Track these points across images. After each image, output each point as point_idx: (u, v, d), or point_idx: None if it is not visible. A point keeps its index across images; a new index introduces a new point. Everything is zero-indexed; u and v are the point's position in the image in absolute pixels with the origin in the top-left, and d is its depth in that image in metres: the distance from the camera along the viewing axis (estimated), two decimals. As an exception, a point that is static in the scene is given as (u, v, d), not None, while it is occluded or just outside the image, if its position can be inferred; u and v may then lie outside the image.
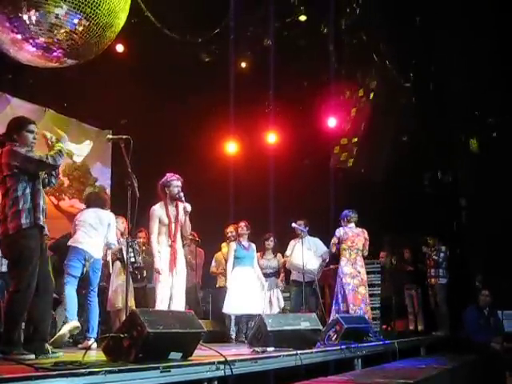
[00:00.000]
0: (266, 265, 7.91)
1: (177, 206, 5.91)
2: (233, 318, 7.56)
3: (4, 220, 4.08)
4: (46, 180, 4.45)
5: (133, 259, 7.06)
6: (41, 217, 4.16)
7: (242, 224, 7.63)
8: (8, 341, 3.93)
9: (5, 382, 2.57)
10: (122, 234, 7.08)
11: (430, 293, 9.29)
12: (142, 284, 7.70)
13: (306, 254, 7.40)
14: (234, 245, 7.56)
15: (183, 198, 5.83)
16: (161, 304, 5.62)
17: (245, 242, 7.54)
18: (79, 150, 4.55)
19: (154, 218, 5.80)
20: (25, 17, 5.43)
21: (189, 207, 5.87)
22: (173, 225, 5.81)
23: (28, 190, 4.13)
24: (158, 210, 5.83)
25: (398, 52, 9.75)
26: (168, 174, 5.96)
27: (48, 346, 4.21)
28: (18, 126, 4.30)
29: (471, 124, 10.21)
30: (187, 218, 5.90)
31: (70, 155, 4.49)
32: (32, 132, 4.30)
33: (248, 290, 7.25)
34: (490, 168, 9.57)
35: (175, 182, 5.89)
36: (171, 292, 5.74)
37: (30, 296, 4.06)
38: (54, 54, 5.95)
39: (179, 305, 5.78)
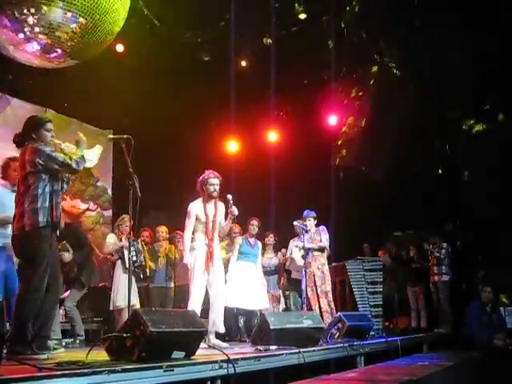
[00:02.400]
0: (267, 263, 7.87)
1: (216, 205, 5.87)
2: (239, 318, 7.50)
3: (21, 216, 4.11)
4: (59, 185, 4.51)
5: (134, 258, 7.06)
6: (58, 216, 4.21)
7: (254, 221, 7.52)
8: (21, 341, 3.97)
9: (9, 382, 2.58)
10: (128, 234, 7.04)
11: (433, 290, 9.29)
12: (145, 284, 7.71)
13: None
14: (239, 239, 7.52)
15: (230, 201, 5.77)
16: (192, 304, 5.56)
17: (251, 239, 7.49)
18: (90, 154, 4.57)
19: (190, 215, 5.79)
20: (24, 16, 5.44)
21: (236, 211, 5.78)
22: (210, 223, 5.78)
23: (48, 189, 4.17)
24: (194, 207, 5.82)
25: (398, 49, 9.75)
26: (206, 172, 5.91)
27: (50, 343, 4.25)
28: (36, 124, 4.35)
29: (472, 117, 10.19)
30: (229, 221, 5.87)
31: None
32: (50, 131, 4.35)
33: (249, 286, 7.18)
34: (492, 164, 9.56)
35: (212, 180, 5.85)
36: (209, 291, 5.73)
37: (41, 297, 4.10)
38: (54, 54, 5.96)
39: (220, 302, 5.77)
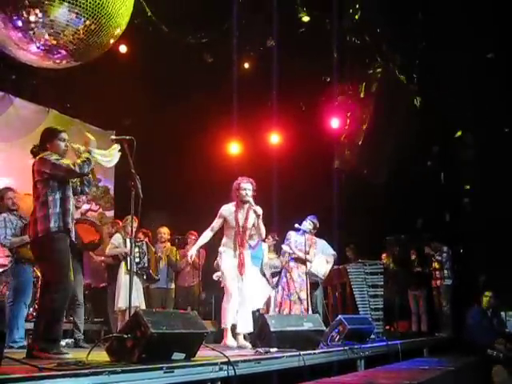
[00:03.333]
0: (269, 264, 7.85)
1: (248, 212, 5.89)
2: None
3: (34, 223, 4.26)
4: (79, 188, 4.66)
5: (137, 259, 7.06)
6: (69, 221, 4.34)
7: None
8: (49, 339, 4.09)
9: (9, 382, 2.58)
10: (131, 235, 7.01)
11: (435, 294, 9.28)
12: (146, 284, 7.71)
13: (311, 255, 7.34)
14: None
15: (252, 202, 5.81)
16: (229, 306, 5.72)
17: (252, 242, 7.45)
18: (105, 155, 4.62)
19: (220, 216, 5.87)
20: (28, 17, 5.45)
21: (259, 210, 5.82)
22: (241, 229, 5.82)
23: (58, 196, 4.31)
24: (226, 210, 5.88)
25: (400, 52, 9.75)
26: (241, 177, 5.97)
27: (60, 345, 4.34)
28: (50, 135, 4.51)
29: (474, 121, 10.18)
30: (260, 222, 5.87)
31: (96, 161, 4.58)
32: (64, 140, 4.51)
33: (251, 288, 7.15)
34: (492, 167, 9.56)
35: (244, 185, 5.89)
36: (239, 295, 5.78)
37: (68, 294, 4.31)
38: (57, 55, 5.96)
39: (247, 306, 5.82)
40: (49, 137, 4.50)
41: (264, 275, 7.41)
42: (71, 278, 4.28)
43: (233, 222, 5.82)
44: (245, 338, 5.84)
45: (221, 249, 5.90)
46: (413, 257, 9.73)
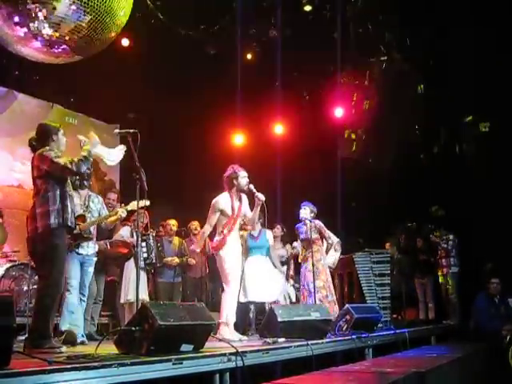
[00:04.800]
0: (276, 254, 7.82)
1: (241, 200, 5.85)
2: (252, 308, 7.32)
3: (34, 218, 4.26)
4: (77, 182, 4.71)
5: (145, 254, 7.05)
6: (69, 217, 4.33)
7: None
8: (41, 335, 4.11)
9: (19, 376, 2.60)
10: (144, 228, 7.01)
11: (442, 281, 9.28)
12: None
13: None
14: (245, 235, 7.45)
15: (254, 190, 5.77)
16: (231, 298, 5.66)
17: (255, 232, 7.35)
18: (111, 154, 4.64)
19: (215, 210, 5.73)
20: (31, 12, 5.45)
21: (262, 196, 5.73)
22: (234, 216, 5.74)
23: (57, 192, 4.30)
24: (221, 201, 5.74)
25: (404, 40, 9.71)
26: (234, 166, 5.86)
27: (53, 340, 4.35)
28: (49, 131, 4.49)
29: (481, 109, 10.12)
30: (257, 209, 5.79)
31: (99, 158, 4.61)
32: (64, 135, 4.52)
33: (258, 279, 7.12)
34: (501, 154, 9.51)
35: (242, 173, 5.82)
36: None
37: (59, 291, 4.31)
38: (60, 50, 5.96)
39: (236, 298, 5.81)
40: (46, 135, 4.47)
41: (274, 265, 7.38)
42: (63, 278, 4.32)
43: (229, 211, 5.73)
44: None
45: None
46: (419, 244, 9.71)
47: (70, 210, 4.36)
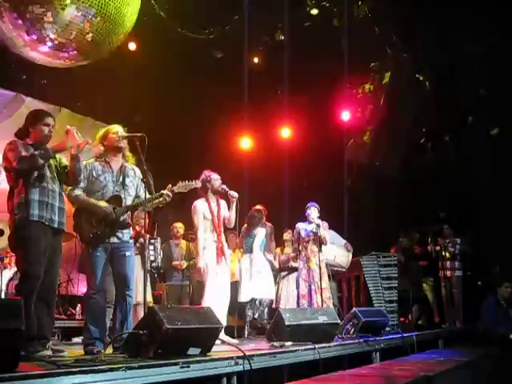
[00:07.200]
0: (286, 259, 7.80)
1: (218, 202, 6.02)
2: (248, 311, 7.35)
3: (12, 211, 4.13)
4: (63, 176, 4.38)
5: (152, 257, 7.07)
6: (36, 212, 4.08)
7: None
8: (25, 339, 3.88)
9: (27, 379, 2.61)
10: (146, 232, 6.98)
11: (443, 285, 9.24)
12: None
13: (330, 247, 7.34)
14: (239, 256, 7.51)
15: (227, 189, 5.91)
16: (206, 302, 5.58)
17: (244, 230, 7.38)
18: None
19: (198, 213, 5.89)
20: (37, 16, 5.47)
21: (235, 194, 5.88)
22: (216, 219, 5.89)
23: (36, 184, 4.13)
24: (200, 204, 5.93)
25: (411, 42, 9.69)
26: (205, 171, 6.04)
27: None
28: (35, 118, 4.31)
29: (487, 110, 10.09)
30: (234, 207, 5.89)
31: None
32: (48, 125, 4.29)
33: (257, 275, 7.15)
34: (507, 156, 9.47)
35: (215, 176, 6.02)
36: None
37: (34, 286, 4.00)
38: (67, 53, 5.98)
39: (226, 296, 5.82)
40: (33, 120, 4.28)
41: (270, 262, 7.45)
42: (39, 272, 4.02)
43: (209, 214, 5.88)
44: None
45: (203, 244, 5.82)
46: (417, 251, 9.69)
47: (37, 204, 4.09)
